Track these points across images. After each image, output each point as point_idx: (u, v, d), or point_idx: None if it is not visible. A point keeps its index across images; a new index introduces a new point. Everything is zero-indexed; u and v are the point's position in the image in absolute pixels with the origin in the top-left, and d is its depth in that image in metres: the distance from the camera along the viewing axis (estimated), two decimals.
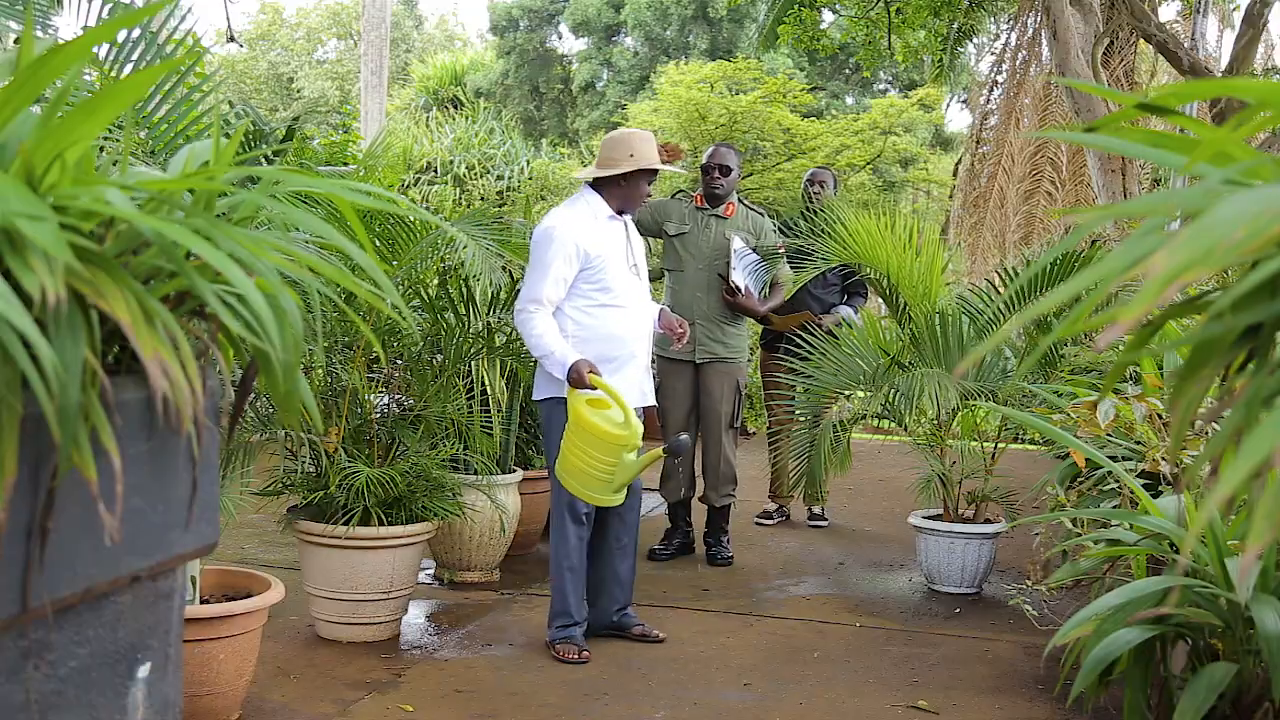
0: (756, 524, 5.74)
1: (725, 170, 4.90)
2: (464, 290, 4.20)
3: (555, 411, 3.58)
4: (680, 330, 3.82)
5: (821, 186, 5.55)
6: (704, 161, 5.00)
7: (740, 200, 5.06)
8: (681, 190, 5.17)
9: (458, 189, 11.97)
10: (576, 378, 3.42)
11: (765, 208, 6.51)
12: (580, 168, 3.69)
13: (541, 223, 3.66)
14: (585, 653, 3.57)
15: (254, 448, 3.73)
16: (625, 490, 3.48)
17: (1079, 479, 3.32)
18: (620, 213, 3.73)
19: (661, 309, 3.91)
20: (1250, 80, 1.02)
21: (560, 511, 3.65)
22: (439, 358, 4.12)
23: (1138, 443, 3.08)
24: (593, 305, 3.60)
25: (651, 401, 3.83)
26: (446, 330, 4.13)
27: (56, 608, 0.86)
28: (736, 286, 4.84)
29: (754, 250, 4.94)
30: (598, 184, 3.71)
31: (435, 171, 12.25)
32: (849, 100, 22.21)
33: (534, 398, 3.74)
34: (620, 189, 3.69)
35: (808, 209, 5.37)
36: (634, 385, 3.65)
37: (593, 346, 3.54)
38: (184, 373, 0.88)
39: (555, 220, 3.63)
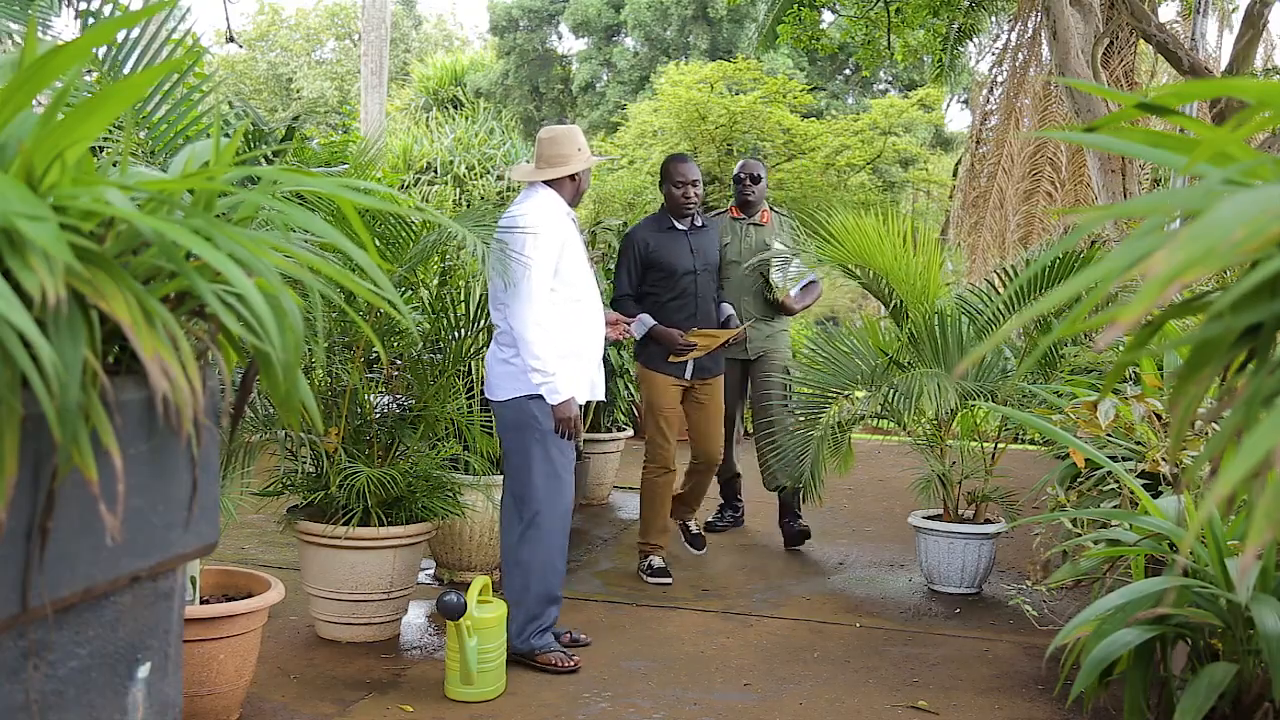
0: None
1: (755, 179, 5.18)
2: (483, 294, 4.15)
3: (523, 410, 3.44)
4: (618, 326, 4.06)
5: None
6: (735, 173, 5.28)
7: (772, 208, 5.32)
8: (713, 209, 5.46)
9: (458, 189, 11.96)
10: (564, 418, 3.39)
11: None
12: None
13: (520, 216, 3.46)
14: (575, 659, 3.51)
15: (254, 448, 3.74)
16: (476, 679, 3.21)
17: (1079, 479, 3.32)
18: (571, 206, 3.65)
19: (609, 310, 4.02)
20: (1250, 80, 1.02)
21: (532, 514, 3.49)
22: (439, 358, 4.12)
23: (1138, 443, 3.08)
24: (563, 301, 3.48)
25: (601, 396, 3.70)
26: (447, 330, 4.13)
27: (56, 608, 0.86)
28: (779, 288, 5.11)
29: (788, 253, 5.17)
30: (549, 181, 3.60)
31: (435, 171, 12.24)
32: (849, 100, 22.21)
33: (496, 397, 3.51)
34: (573, 183, 3.64)
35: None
36: (586, 380, 3.57)
37: (561, 343, 3.45)
38: (184, 373, 0.88)
39: (535, 214, 3.46)
